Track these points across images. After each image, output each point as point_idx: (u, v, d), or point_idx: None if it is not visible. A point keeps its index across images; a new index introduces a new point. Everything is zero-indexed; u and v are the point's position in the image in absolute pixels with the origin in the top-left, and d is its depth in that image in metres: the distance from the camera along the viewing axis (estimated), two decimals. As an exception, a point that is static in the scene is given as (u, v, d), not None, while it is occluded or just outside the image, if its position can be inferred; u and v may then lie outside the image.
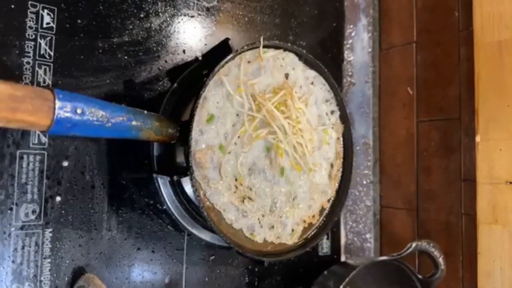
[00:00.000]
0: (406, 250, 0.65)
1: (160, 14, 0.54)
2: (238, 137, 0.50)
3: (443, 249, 0.68)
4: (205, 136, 0.48)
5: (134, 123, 0.40)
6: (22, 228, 0.43)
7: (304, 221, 0.57)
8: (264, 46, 0.53)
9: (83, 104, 0.35)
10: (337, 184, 0.61)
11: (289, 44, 0.55)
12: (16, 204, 0.43)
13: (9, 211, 0.43)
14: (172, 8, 0.55)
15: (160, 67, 0.54)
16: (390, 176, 0.82)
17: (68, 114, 0.34)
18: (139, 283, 0.51)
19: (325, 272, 0.67)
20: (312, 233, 0.58)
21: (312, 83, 0.59)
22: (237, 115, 0.51)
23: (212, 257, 0.57)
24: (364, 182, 0.81)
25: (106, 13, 0.49)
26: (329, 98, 0.61)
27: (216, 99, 0.49)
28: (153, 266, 0.52)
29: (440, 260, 0.68)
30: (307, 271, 0.67)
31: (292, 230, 0.56)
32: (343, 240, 0.76)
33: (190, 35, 0.56)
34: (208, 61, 0.55)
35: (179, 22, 0.55)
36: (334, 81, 0.60)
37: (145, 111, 0.42)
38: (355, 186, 0.79)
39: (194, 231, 0.54)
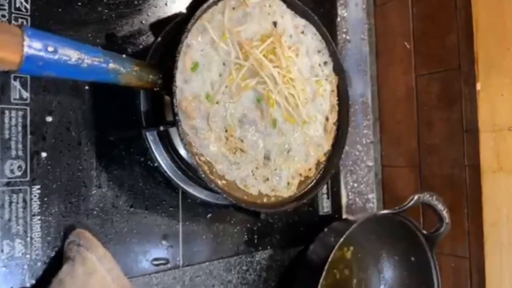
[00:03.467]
0: (408, 203, 0.64)
1: (140, -35, 0.52)
2: (226, 86, 0.49)
3: (447, 203, 0.66)
4: (190, 85, 0.46)
5: (111, 65, 0.38)
6: (8, 184, 0.42)
7: (300, 174, 0.56)
8: (249, -7, 0.51)
9: (54, 42, 0.34)
10: (333, 137, 0.60)
11: (275, -10, 0.53)
12: (1, 160, 0.42)
13: (-7, 168, 0.42)
14: (152, -40, 0.53)
15: (143, 21, 0.52)
16: (391, 134, 0.80)
17: (38, 52, 0.33)
18: (134, 240, 0.50)
19: (326, 229, 0.66)
20: (309, 186, 0.56)
21: (302, 32, 0.57)
22: (224, 64, 0.49)
23: (209, 215, 0.56)
24: (364, 142, 0.79)
25: (83, -36, 0.48)
26: (321, 48, 0.59)
27: (200, 46, 0.47)
28: (147, 224, 0.51)
29: (445, 214, 0.66)
30: (308, 230, 0.66)
31: (288, 183, 0.54)
32: (344, 200, 0.74)
33: (173, -13, 0.54)
34: (193, 13, 0.53)
35: (160, -26, 0.54)
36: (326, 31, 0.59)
37: (124, 55, 0.41)
38: (354, 146, 0.78)
39: (188, 188, 0.53)
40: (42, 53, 0.33)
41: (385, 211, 0.64)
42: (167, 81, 0.43)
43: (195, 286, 0.55)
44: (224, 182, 0.49)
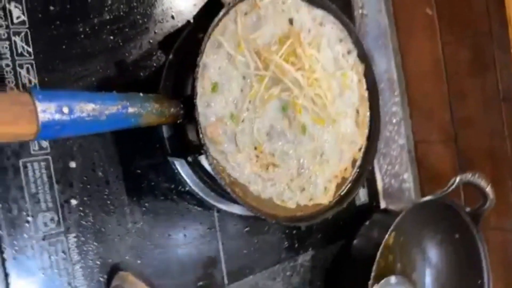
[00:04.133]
0: (450, 186, 0.61)
1: (138, -20, 0.48)
2: (249, 101, 0.46)
3: (489, 177, 0.63)
4: (213, 108, 0.43)
5: (130, 110, 0.36)
6: (44, 238, 0.41)
7: (336, 176, 0.53)
8: (260, -7, 0.46)
9: (68, 100, 0.31)
10: (366, 130, 0.56)
11: (287, -15, 0.48)
12: (32, 216, 0.41)
13: (26, 224, 0.40)
14: (150, -29, 0.49)
15: (151, 40, 0.49)
16: (421, 108, 0.76)
17: (54, 116, 0.30)
18: (177, 268, 0.49)
19: (367, 223, 0.64)
20: (347, 187, 0.54)
21: (321, 24, 0.53)
22: (244, 77, 0.46)
23: (247, 229, 0.55)
24: (394, 121, 0.76)
25: (79, -8, 0.44)
26: (343, 37, 0.55)
27: (217, 64, 0.44)
28: (188, 249, 0.50)
29: (488, 190, 0.63)
30: (347, 224, 0.64)
31: (325, 188, 0.52)
32: (379, 185, 0.72)
33: (176, -3, 0.50)
34: (201, 22, 0.49)
35: (161, -15, 0.49)
36: (345, 16, 0.54)
37: (141, 94, 0.38)
38: (384, 127, 0.74)
39: (222, 206, 0.51)
40: (57, 116, 0.30)
41: (427, 198, 0.61)
42: (189, 111, 0.40)
43: (242, 300, 0.54)
44: (260, 201, 0.46)
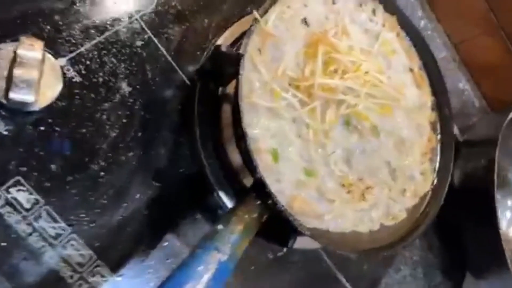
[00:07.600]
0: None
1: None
2: (314, 143, 0.38)
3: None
4: (285, 180, 0.36)
5: (223, 257, 0.29)
6: None
7: (425, 153, 0.46)
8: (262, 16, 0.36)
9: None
10: (427, 84, 0.48)
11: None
12: None
13: None
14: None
15: (171, 126, 0.40)
16: (448, 8, 0.66)
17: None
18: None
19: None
20: (438, 156, 0.47)
21: (333, 2, 0.43)
22: (294, 120, 0.38)
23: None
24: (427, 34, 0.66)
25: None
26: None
27: (265, 126, 0.36)
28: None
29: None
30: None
31: (422, 174, 0.45)
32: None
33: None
34: (206, 76, 0.40)
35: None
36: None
37: (218, 226, 0.30)
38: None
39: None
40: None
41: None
42: (269, 205, 0.33)
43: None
44: (374, 236, 0.41)
